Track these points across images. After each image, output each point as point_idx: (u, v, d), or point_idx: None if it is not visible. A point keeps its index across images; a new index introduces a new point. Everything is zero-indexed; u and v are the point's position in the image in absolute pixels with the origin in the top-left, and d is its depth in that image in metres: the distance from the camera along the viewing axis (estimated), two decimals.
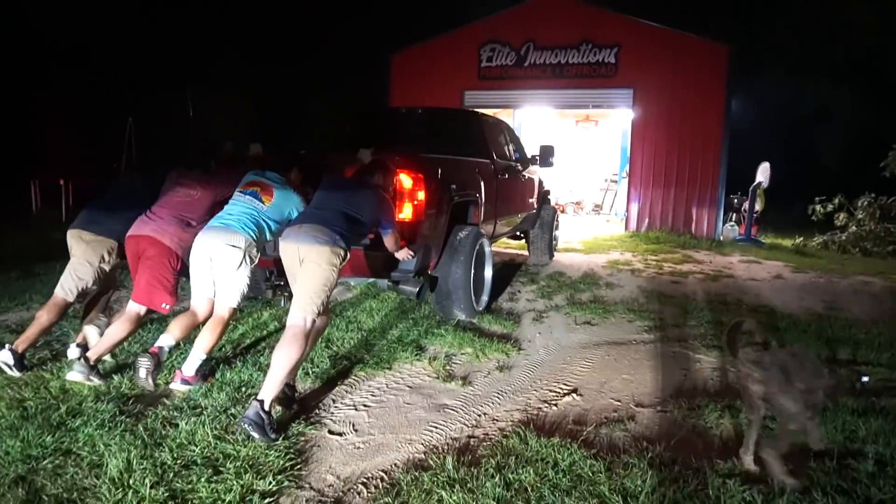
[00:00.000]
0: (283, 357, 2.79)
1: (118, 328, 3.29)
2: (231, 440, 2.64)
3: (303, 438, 2.79)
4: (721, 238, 11.72)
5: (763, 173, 11.58)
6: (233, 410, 2.95)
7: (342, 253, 3.03)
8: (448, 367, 3.84)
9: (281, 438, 2.68)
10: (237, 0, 21.48)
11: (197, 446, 2.57)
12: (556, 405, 3.31)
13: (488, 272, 5.32)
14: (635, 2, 12.14)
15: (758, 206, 11.86)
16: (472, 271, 4.80)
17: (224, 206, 3.38)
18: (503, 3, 12.73)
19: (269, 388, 2.73)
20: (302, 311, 2.93)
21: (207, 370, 3.36)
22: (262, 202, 3.32)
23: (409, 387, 3.54)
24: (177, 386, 3.16)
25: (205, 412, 2.92)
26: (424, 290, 4.57)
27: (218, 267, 3.23)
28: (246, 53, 19.00)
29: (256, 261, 3.31)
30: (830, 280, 7.74)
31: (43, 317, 3.41)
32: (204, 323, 3.34)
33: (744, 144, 13.77)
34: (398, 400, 3.35)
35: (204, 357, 3.22)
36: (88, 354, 3.23)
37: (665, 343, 4.52)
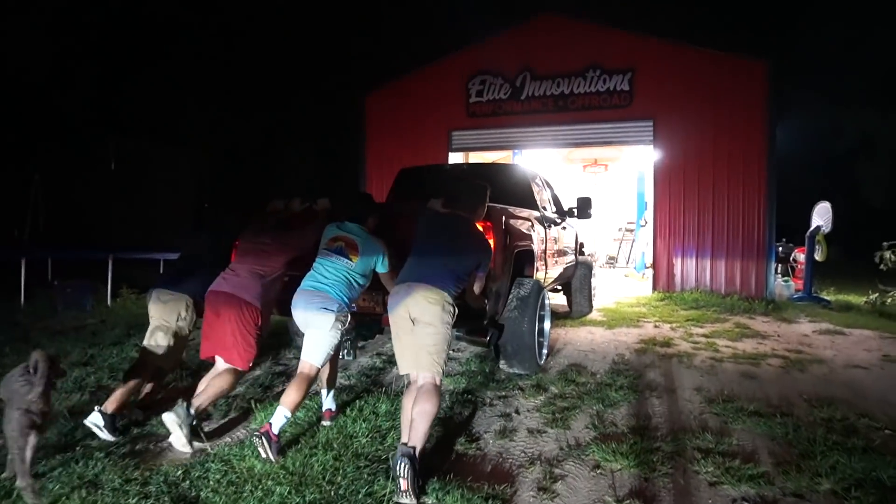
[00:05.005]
0: (426, 410, 2.86)
1: (221, 381, 3.31)
2: None
3: None
4: (775, 297, 9.41)
5: (822, 215, 9.41)
6: None
7: (452, 310, 3.07)
8: None
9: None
10: (182, 44, 19.91)
11: None
12: None
13: (547, 325, 5.25)
14: (650, 19, 10.21)
15: (818, 257, 9.59)
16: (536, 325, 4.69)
17: (311, 263, 3.44)
18: (492, 27, 10.95)
19: (417, 438, 2.81)
20: (431, 373, 2.98)
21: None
22: (350, 259, 3.39)
23: None
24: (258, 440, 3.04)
25: None
26: (494, 338, 4.59)
27: (310, 326, 3.26)
28: (197, 103, 17.12)
29: (346, 325, 3.32)
30: None
31: (130, 382, 3.48)
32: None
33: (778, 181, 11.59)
34: None
35: (289, 415, 3.13)
36: (193, 401, 3.19)
37: None
